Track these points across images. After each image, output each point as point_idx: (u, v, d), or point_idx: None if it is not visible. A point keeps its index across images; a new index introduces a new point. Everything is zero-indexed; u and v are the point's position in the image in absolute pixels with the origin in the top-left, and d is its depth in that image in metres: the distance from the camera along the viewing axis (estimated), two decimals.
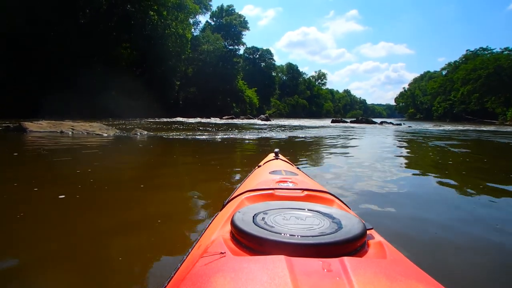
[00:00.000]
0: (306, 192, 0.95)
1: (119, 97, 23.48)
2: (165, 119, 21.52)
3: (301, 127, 17.19)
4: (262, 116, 31.43)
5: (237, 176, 3.44)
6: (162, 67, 30.24)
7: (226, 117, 29.67)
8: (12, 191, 2.59)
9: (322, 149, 6.75)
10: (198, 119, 25.21)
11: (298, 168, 1.71)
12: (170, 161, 4.81)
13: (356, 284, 0.43)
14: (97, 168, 3.77)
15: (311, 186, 1.04)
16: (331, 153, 5.95)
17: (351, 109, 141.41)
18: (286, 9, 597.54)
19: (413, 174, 4.05)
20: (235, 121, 24.71)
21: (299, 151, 6.34)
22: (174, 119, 22.55)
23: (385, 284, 0.44)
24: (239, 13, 53.66)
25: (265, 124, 19.87)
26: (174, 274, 0.62)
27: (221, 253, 0.56)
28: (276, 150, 1.89)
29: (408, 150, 7.18)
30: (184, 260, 0.67)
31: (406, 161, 5.31)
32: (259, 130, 12.97)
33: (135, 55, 27.54)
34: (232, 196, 1.04)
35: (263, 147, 6.96)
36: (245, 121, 26.16)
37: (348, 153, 6.03)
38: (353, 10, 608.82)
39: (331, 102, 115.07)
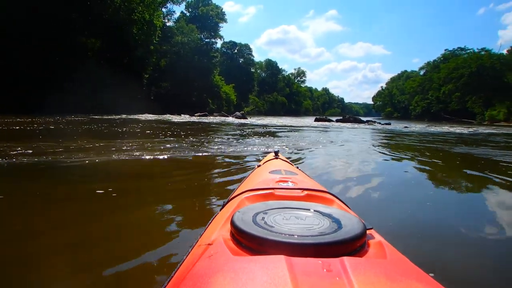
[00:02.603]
0: (306, 192, 0.94)
1: (80, 91, 20.49)
2: (116, 116, 18.59)
3: (283, 128, 14.37)
4: (238, 113, 29.00)
5: None
6: (127, 58, 26.86)
7: (199, 114, 27.15)
8: None
9: None
10: (168, 116, 23.03)
11: (298, 167, 1.65)
12: None
13: (356, 284, 0.44)
14: None
15: (311, 185, 1.05)
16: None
17: (329, 107, 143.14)
18: (267, 6, 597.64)
19: None
20: (205, 119, 21.77)
21: None
22: (131, 116, 19.79)
23: (385, 284, 0.45)
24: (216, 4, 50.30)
25: (238, 124, 16.80)
26: (174, 274, 0.62)
27: (221, 253, 0.56)
28: (276, 149, 1.85)
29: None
30: (184, 260, 0.67)
31: None
32: (222, 138, 7.98)
33: (94, 42, 23.96)
34: (232, 196, 1.03)
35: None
36: (217, 119, 23.61)
37: None
38: (333, 10, 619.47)
39: (310, 100, 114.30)
